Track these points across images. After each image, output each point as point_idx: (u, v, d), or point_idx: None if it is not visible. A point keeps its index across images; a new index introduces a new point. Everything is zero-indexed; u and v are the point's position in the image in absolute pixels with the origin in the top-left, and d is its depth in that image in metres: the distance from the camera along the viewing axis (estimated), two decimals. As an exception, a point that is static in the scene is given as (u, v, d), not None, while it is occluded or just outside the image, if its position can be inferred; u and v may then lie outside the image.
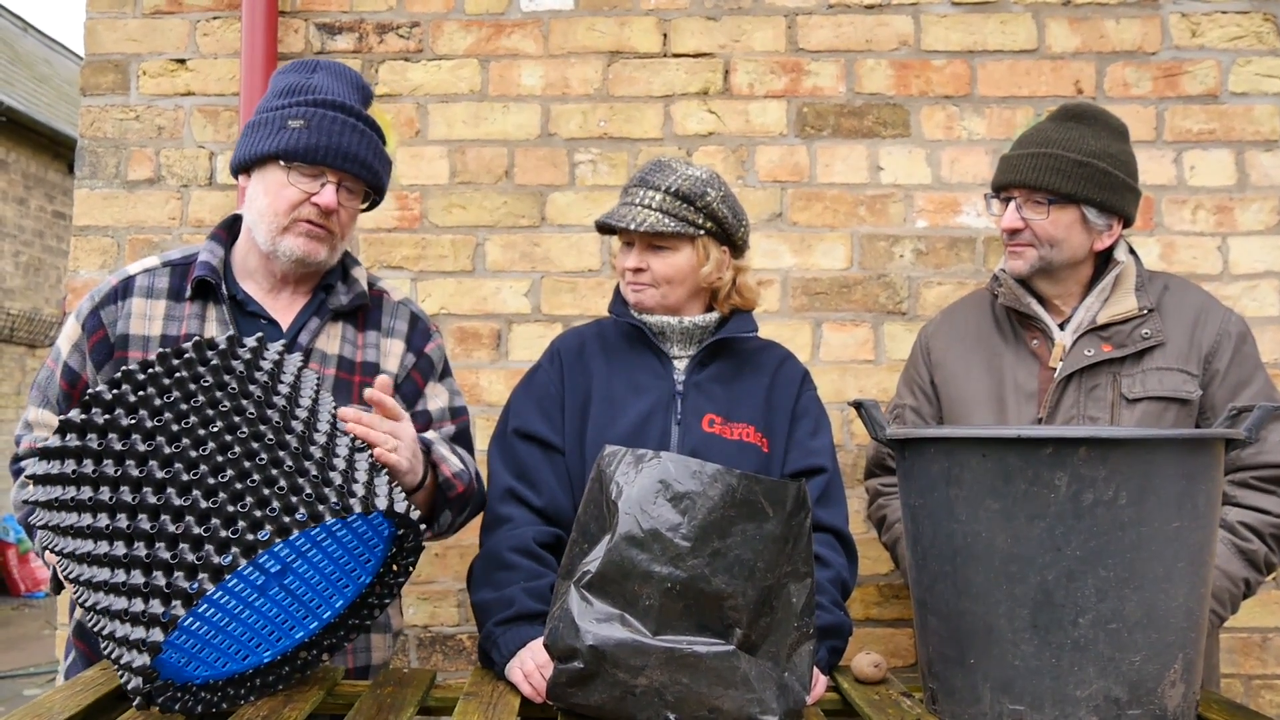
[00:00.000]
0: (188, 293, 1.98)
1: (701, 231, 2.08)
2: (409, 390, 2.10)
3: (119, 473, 1.46)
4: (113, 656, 1.47)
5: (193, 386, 1.52)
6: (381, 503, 1.54)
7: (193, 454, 1.46)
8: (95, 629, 1.49)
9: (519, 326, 2.97)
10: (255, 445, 1.49)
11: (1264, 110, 2.95)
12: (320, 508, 1.46)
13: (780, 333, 2.91)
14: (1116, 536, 1.55)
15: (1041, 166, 2.15)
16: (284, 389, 1.61)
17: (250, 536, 1.41)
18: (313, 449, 1.54)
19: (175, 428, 1.48)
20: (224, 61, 2.99)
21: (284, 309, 2.02)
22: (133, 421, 1.48)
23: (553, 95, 2.99)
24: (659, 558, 1.59)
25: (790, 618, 1.67)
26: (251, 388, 1.56)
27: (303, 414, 1.60)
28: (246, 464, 1.47)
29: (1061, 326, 2.24)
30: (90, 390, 1.52)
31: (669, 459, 1.66)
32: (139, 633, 1.40)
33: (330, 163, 1.92)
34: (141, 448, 1.47)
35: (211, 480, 1.44)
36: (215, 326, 1.96)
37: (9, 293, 11.33)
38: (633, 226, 2.06)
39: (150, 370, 1.53)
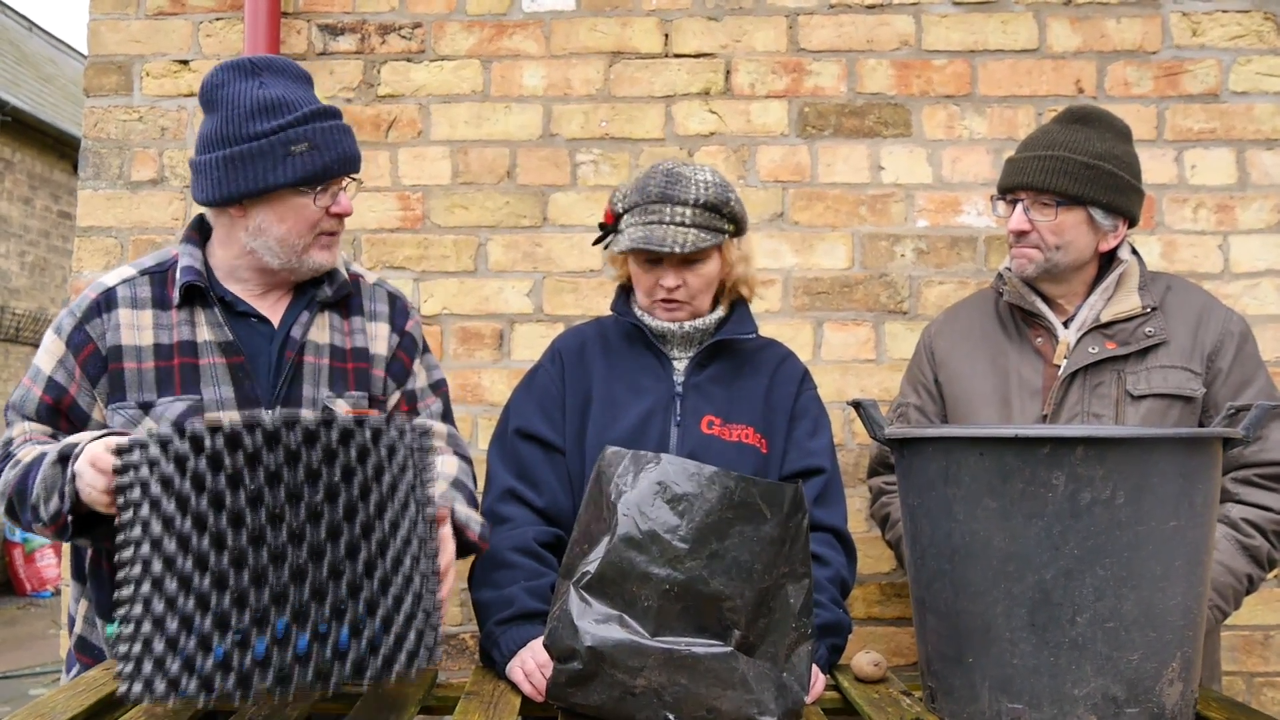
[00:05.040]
0: (175, 300, 1.95)
1: (726, 235, 2.09)
2: (397, 370, 2.11)
3: (276, 509, 1.39)
4: (127, 653, 1.44)
5: (378, 463, 1.47)
6: (422, 662, 1.52)
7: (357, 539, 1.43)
8: (127, 617, 1.46)
9: (521, 326, 2.97)
10: (391, 564, 1.46)
11: (1265, 109, 2.94)
12: (380, 668, 1.44)
13: (781, 332, 2.91)
14: (1114, 535, 1.55)
15: (1049, 169, 2.16)
16: (421, 495, 1.57)
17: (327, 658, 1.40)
18: (409, 591, 1.51)
19: (348, 497, 1.43)
20: (227, 63, 3.00)
21: (272, 306, 2.02)
22: (314, 469, 1.41)
23: (554, 96, 3.00)
24: (657, 559, 1.60)
25: (788, 618, 1.68)
26: (415, 489, 1.53)
27: (421, 532, 1.56)
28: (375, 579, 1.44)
29: (1066, 325, 2.26)
30: (291, 415, 1.43)
31: (668, 461, 1.67)
32: (174, 667, 1.38)
33: (341, 173, 1.94)
34: (316, 499, 1.40)
35: (346, 574, 1.41)
36: (207, 330, 1.95)
37: (15, 292, 11.36)
38: (677, 249, 2.02)
39: (345, 428, 1.45)
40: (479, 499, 2.12)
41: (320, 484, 1.41)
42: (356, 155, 1.96)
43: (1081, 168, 2.15)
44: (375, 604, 1.44)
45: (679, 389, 2.13)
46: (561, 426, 2.13)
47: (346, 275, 2.08)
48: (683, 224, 2.03)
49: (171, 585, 1.40)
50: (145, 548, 1.43)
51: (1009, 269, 2.30)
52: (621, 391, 2.13)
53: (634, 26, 3.00)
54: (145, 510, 1.44)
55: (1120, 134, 2.23)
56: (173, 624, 1.39)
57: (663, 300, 2.11)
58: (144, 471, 1.44)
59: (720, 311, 2.17)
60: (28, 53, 13.97)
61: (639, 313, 2.17)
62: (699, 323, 2.15)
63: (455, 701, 1.79)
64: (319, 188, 1.92)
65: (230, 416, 1.77)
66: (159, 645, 1.40)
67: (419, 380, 2.14)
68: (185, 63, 3.02)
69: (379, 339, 2.09)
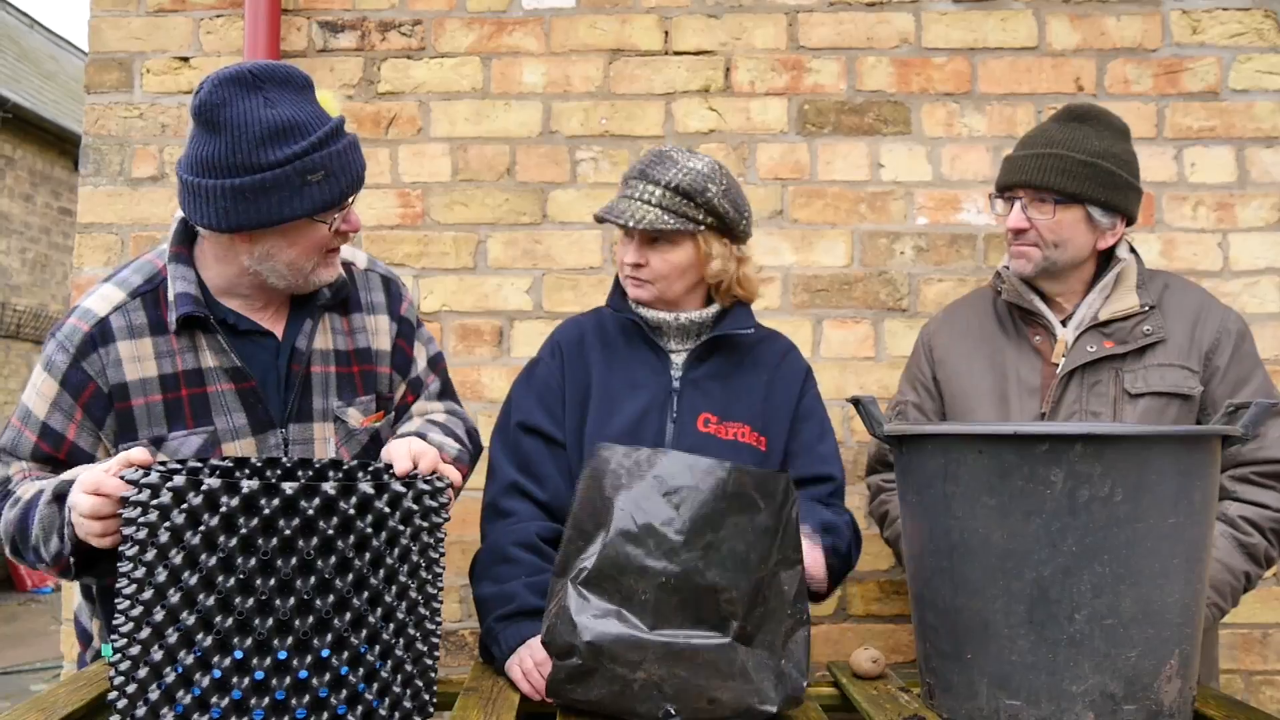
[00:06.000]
0: (171, 326, 1.86)
1: (702, 227, 2.06)
2: (400, 361, 2.09)
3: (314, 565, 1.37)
4: (132, 672, 1.42)
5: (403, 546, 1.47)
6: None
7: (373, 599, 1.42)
8: (124, 658, 1.44)
9: (521, 323, 2.98)
10: (403, 632, 1.47)
11: (1264, 107, 2.95)
12: None
13: (781, 329, 2.89)
14: (1112, 533, 1.55)
15: (1048, 167, 2.16)
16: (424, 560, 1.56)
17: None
18: (413, 648, 1.51)
19: (359, 567, 1.41)
20: (227, 60, 3.00)
21: (273, 319, 1.96)
22: (328, 539, 1.38)
23: (554, 93, 3.00)
24: (653, 552, 1.60)
25: (783, 606, 1.68)
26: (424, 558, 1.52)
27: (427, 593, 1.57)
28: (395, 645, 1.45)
29: (1064, 323, 2.26)
30: (310, 485, 1.39)
31: (662, 454, 1.67)
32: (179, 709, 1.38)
33: (352, 192, 1.87)
34: (326, 568, 1.38)
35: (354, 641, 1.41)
36: (211, 356, 1.88)
37: (15, 289, 11.37)
38: (630, 223, 2.03)
39: (363, 498, 1.42)
40: (468, 445, 2.12)
41: (333, 555, 1.39)
42: (363, 170, 1.90)
43: (1079, 166, 2.15)
44: (374, 674, 1.43)
45: (676, 384, 2.13)
46: (562, 420, 2.13)
47: (342, 270, 2.03)
48: (648, 202, 2.04)
49: (172, 639, 1.38)
50: (148, 594, 1.41)
51: (1007, 267, 2.30)
52: (619, 387, 2.13)
53: (634, 24, 3.01)
54: (150, 556, 1.41)
55: (1119, 132, 2.23)
56: (169, 679, 1.38)
57: (629, 276, 2.12)
58: (153, 516, 1.41)
59: (715, 307, 2.16)
60: (28, 49, 13.97)
61: (634, 304, 2.17)
62: (695, 315, 2.14)
63: (454, 698, 1.79)
64: (333, 212, 1.85)
65: (248, 462, 1.75)
66: (155, 697, 1.39)
67: (419, 364, 2.12)
68: (186, 60, 3.02)
69: (380, 333, 2.06)
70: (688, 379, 2.13)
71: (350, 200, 1.89)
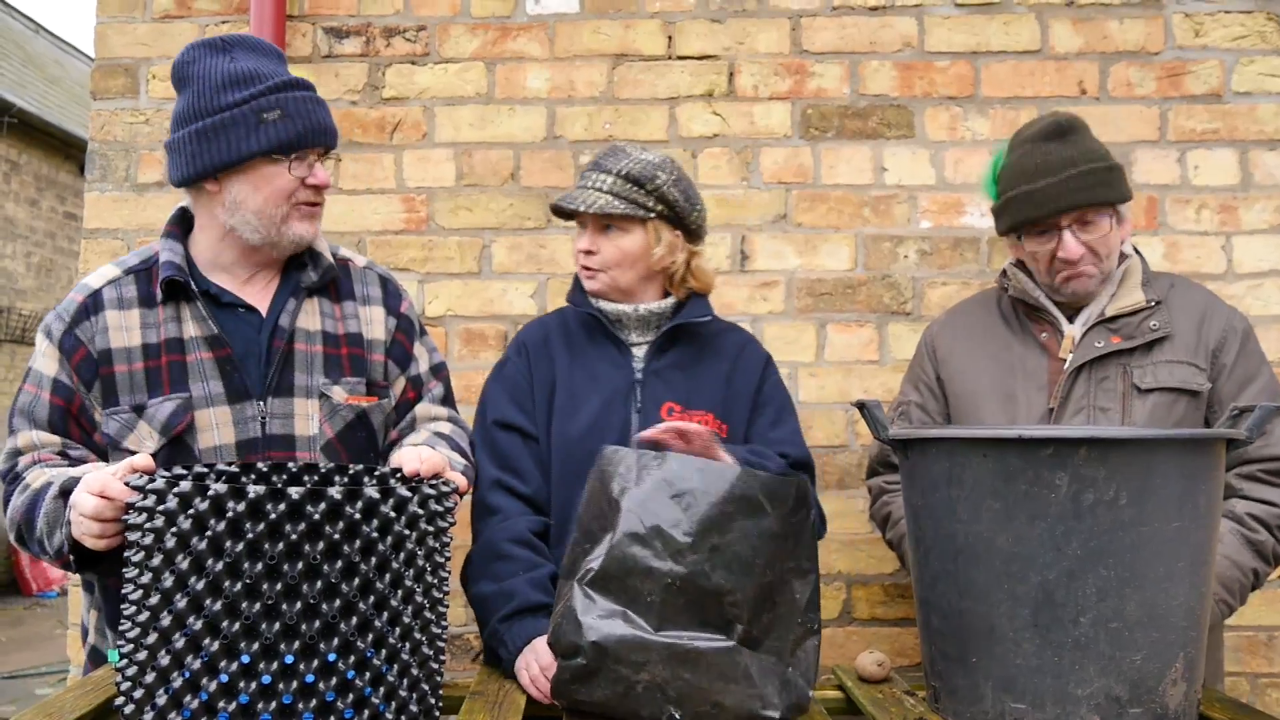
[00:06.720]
0: (159, 297, 1.94)
1: (652, 214, 2.13)
2: (399, 354, 2.11)
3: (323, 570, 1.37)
4: (139, 676, 1.42)
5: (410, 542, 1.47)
6: None
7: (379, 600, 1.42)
8: (130, 663, 1.44)
9: (525, 328, 2.98)
10: (411, 636, 1.47)
11: (1268, 110, 2.95)
12: None
13: (785, 333, 2.92)
14: (1117, 536, 1.55)
15: (1095, 183, 2.13)
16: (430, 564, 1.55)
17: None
18: (419, 651, 1.51)
19: (364, 571, 1.41)
20: (232, 65, 3.01)
21: (258, 294, 2.01)
22: (334, 544, 1.39)
23: (558, 98, 3.01)
24: (660, 554, 1.60)
25: (794, 613, 1.69)
26: (428, 558, 1.52)
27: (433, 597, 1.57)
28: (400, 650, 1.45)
29: (1070, 320, 2.26)
30: (316, 489, 1.39)
31: (673, 458, 1.68)
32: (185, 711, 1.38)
33: (314, 143, 1.94)
34: (333, 572, 1.38)
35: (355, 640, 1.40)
36: (193, 325, 1.94)
37: (21, 293, 11.39)
38: (582, 208, 2.11)
39: (369, 503, 1.43)
40: (472, 461, 2.13)
41: (339, 559, 1.39)
42: (330, 128, 1.97)
43: (1108, 172, 2.15)
44: (380, 678, 1.43)
45: (639, 375, 2.16)
46: (533, 416, 2.16)
47: (333, 260, 2.08)
48: (599, 189, 2.12)
49: (178, 643, 1.38)
50: (154, 599, 1.41)
51: (1013, 264, 2.31)
52: (582, 381, 2.17)
53: (637, 29, 3.01)
54: (157, 560, 1.41)
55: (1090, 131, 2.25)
56: (176, 683, 1.38)
57: (582, 266, 2.19)
58: (160, 521, 1.41)
59: (673, 299, 2.21)
60: (33, 54, 13.99)
61: (592, 298, 2.22)
62: (654, 306, 2.18)
63: (460, 701, 1.79)
64: (293, 156, 1.92)
65: (256, 471, 1.75)
66: (162, 702, 1.39)
67: (421, 365, 2.15)
68: (191, 65, 3.02)
69: (374, 323, 2.09)
70: (650, 370, 2.17)
71: (317, 155, 1.96)
